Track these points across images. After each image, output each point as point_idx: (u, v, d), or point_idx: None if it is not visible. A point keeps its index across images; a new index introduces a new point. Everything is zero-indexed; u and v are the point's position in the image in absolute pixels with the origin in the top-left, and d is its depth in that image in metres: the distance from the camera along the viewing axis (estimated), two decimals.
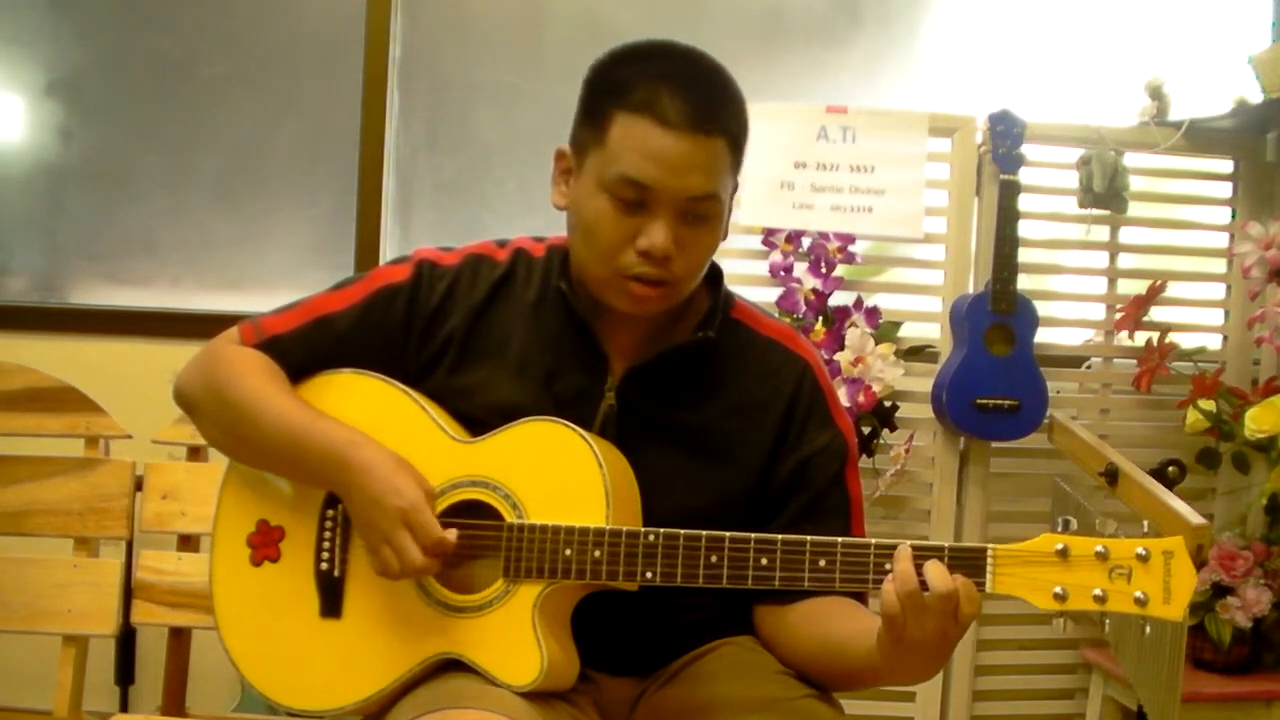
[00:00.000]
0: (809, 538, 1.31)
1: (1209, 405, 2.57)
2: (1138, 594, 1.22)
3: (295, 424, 1.40)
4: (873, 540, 1.29)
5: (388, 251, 3.05)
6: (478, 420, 1.43)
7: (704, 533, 1.32)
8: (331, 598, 1.42)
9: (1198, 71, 2.84)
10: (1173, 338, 2.68)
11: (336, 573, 1.42)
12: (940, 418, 2.63)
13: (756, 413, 1.47)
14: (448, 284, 1.48)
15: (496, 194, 3.11)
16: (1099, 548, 1.23)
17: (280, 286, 3.02)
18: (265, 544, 1.45)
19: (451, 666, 1.37)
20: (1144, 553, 1.22)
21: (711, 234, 1.41)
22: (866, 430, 2.57)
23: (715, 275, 1.51)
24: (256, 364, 1.45)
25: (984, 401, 2.55)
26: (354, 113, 3.04)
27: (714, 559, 1.31)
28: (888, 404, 2.59)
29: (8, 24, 3.12)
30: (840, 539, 1.31)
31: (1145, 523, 1.28)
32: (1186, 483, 2.51)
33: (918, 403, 2.65)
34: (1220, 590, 2.44)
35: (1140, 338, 2.72)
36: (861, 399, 2.51)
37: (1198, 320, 2.82)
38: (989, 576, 1.25)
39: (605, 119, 1.37)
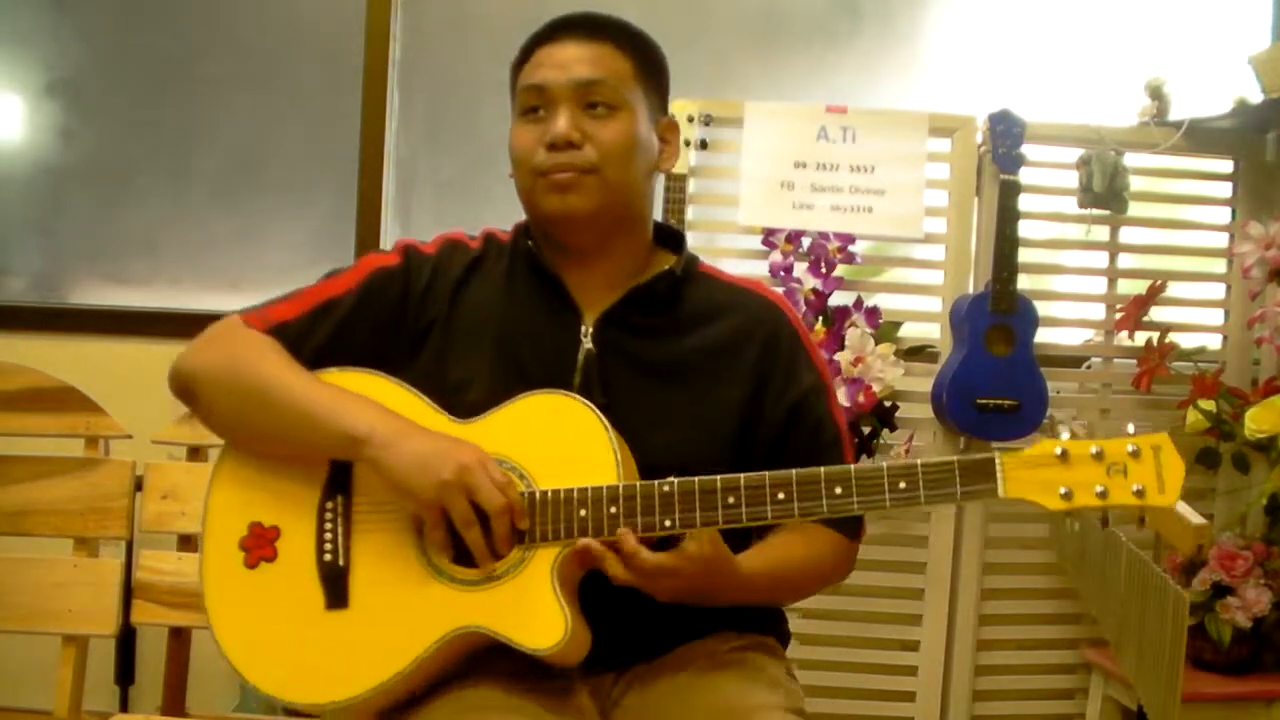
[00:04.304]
0: (822, 469, 1.34)
1: (1209, 405, 2.57)
2: (1135, 486, 1.31)
3: (325, 394, 1.42)
4: (885, 464, 1.34)
5: None
6: (468, 384, 1.47)
7: (718, 476, 1.35)
8: (336, 588, 1.42)
9: (1198, 71, 2.84)
10: (1173, 338, 2.68)
11: (341, 562, 1.42)
12: (940, 418, 2.63)
13: (734, 349, 1.52)
14: (432, 267, 1.54)
15: (497, 193, 3.08)
16: (1094, 449, 1.31)
17: (280, 286, 2.97)
18: (259, 545, 1.44)
19: (459, 670, 1.38)
20: (1134, 449, 1.31)
21: (620, 126, 1.47)
22: (866, 430, 2.57)
23: (677, 239, 1.59)
24: (272, 346, 1.47)
25: (984, 401, 2.55)
26: (354, 113, 3.04)
27: (731, 500, 1.34)
28: (888, 404, 2.59)
29: (8, 24, 3.12)
30: (853, 466, 1.35)
31: (1130, 425, 1.33)
32: (1187, 483, 2.50)
33: (918, 403, 2.65)
34: (1220, 590, 2.43)
35: (1140, 338, 2.72)
36: (861, 399, 2.51)
37: (1198, 320, 2.82)
38: (1000, 481, 1.31)
39: (518, 72, 1.52)
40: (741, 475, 1.35)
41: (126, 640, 2.76)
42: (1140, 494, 1.30)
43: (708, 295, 1.55)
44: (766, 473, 1.35)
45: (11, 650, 2.44)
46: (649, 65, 1.52)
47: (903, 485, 1.32)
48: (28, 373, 2.08)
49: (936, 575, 2.66)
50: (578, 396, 1.40)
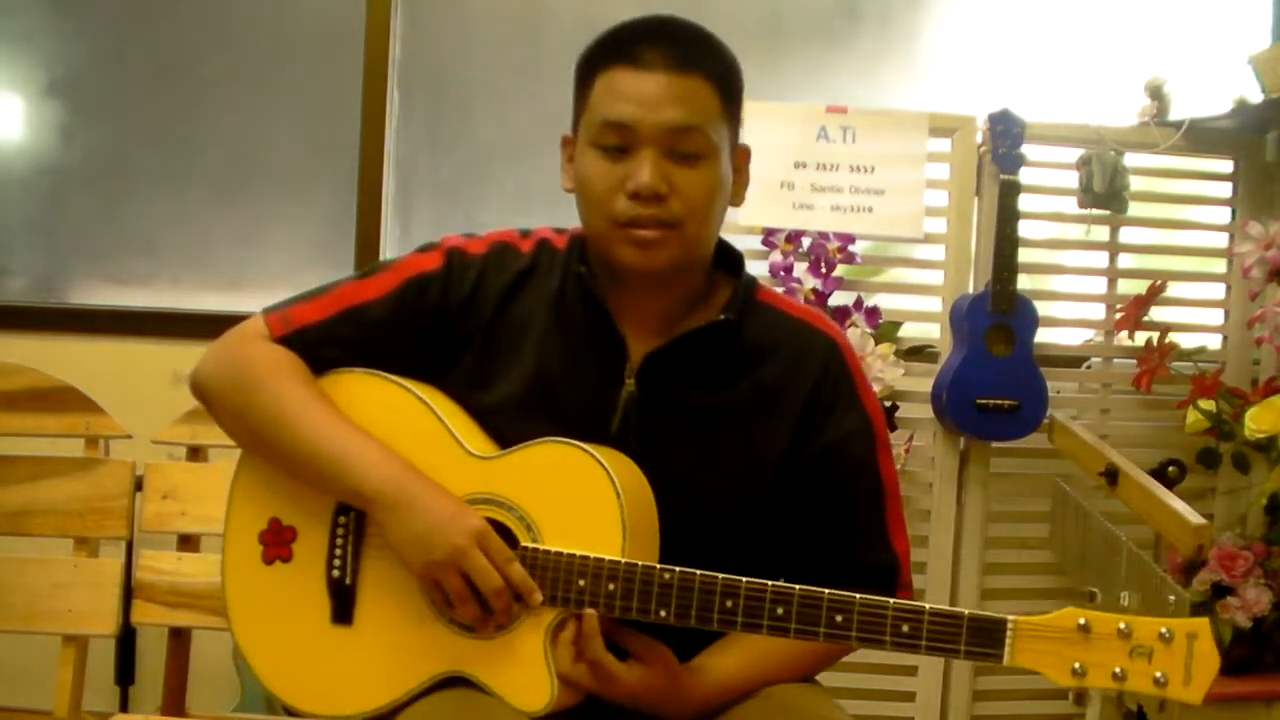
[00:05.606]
0: (826, 591, 1.28)
1: (1209, 405, 2.57)
2: (1158, 675, 1.20)
3: (334, 444, 1.37)
4: (891, 601, 1.28)
5: (388, 251, 3.04)
6: (499, 409, 1.42)
7: (720, 575, 1.30)
8: (343, 605, 1.41)
9: (1198, 71, 2.84)
10: (1173, 338, 2.68)
11: (348, 580, 1.41)
12: (940, 418, 2.63)
13: (782, 393, 1.44)
14: (477, 272, 1.46)
15: (495, 194, 3.11)
16: (1121, 625, 1.21)
17: (280, 286, 2.97)
18: (277, 543, 1.44)
19: (460, 683, 1.37)
20: (1167, 633, 1.20)
21: (707, 175, 1.38)
22: None
23: (736, 261, 1.51)
24: (288, 368, 1.42)
25: (984, 401, 2.54)
26: (354, 113, 3.04)
27: (729, 604, 1.30)
28: (888, 404, 2.59)
29: (8, 24, 3.12)
30: (858, 595, 1.28)
31: (1171, 597, 1.26)
32: (1186, 483, 2.50)
33: (918, 403, 2.65)
34: (1220, 590, 2.43)
35: (1140, 338, 2.72)
36: None
37: (1198, 320, 2.81)
38: (1007, 649, 1.24)
39: (590, 84, 1.40)
40: (743, 579, 1.29)
41: (126, 640, 2.76)
42: (1161, 683, 1.20)
43: (763, 331, 1.46)
44: (770, 582, 1.29)
45: (11, 650, 2.43)
46: (733, 94, 1.42)
47: (905, 629, 1.25)
48: (28, 373, 2.08)
49: (936, 574, 2.66)
50: (598, 458, 1.33)
